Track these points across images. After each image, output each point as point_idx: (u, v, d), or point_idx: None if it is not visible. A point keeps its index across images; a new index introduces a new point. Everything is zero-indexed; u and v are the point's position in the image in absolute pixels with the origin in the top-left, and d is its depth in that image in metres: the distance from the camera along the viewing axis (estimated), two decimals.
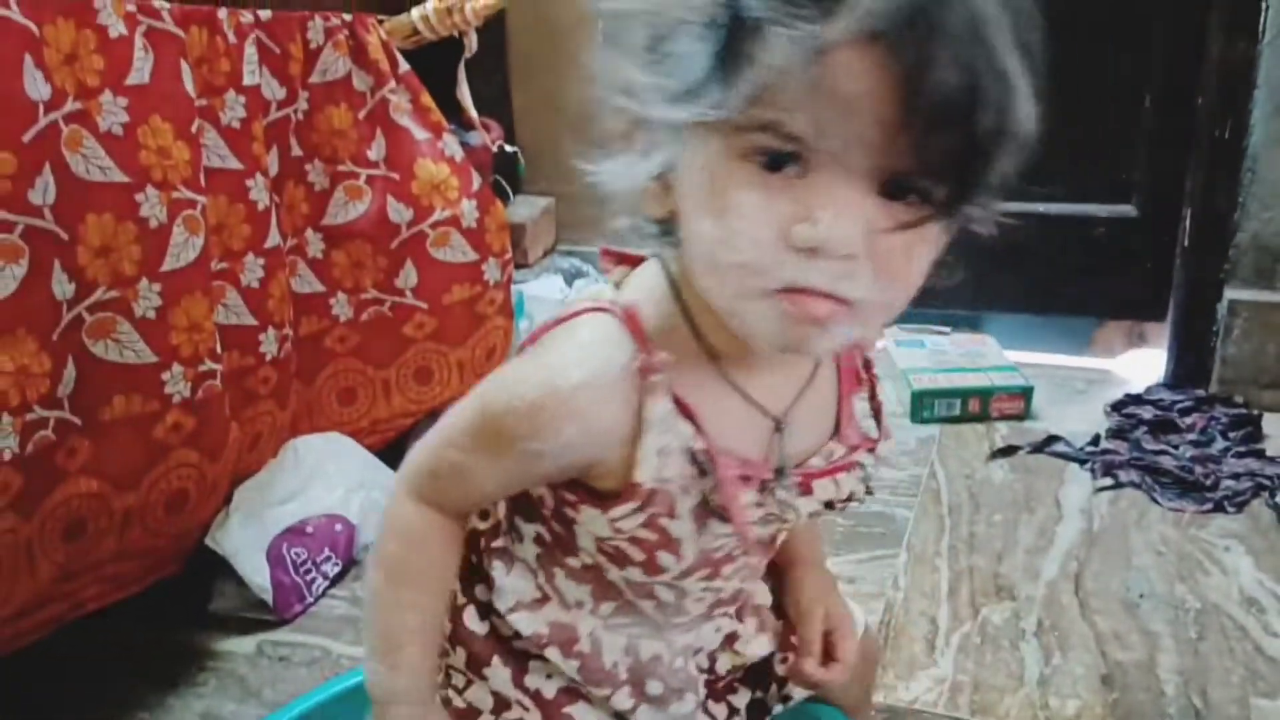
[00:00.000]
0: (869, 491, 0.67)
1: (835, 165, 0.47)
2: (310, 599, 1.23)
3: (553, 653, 0.66)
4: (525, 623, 0.66)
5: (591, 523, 0.61)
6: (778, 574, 0.77)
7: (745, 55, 0.45)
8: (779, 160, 0.48)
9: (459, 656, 0.70)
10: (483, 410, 0.59)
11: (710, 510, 0.59)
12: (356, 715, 0.86)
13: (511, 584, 0.67)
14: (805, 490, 0.62)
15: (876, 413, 0.68)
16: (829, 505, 0.64)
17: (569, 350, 0.58)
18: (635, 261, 0.63)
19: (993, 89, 0.45)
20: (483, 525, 0.70)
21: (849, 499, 0.65)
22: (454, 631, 0.70)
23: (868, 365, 0.67)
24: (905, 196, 0.48)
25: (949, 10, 0.44)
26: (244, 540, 1.19)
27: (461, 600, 0.70)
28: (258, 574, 1.18)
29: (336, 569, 1.27)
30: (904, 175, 0.47)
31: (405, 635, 0.64)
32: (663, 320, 0.58)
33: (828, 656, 0.73)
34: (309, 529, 1.25)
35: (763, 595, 0.76)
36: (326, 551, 1.26)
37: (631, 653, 0.67)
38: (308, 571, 1.23)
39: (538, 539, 0.66)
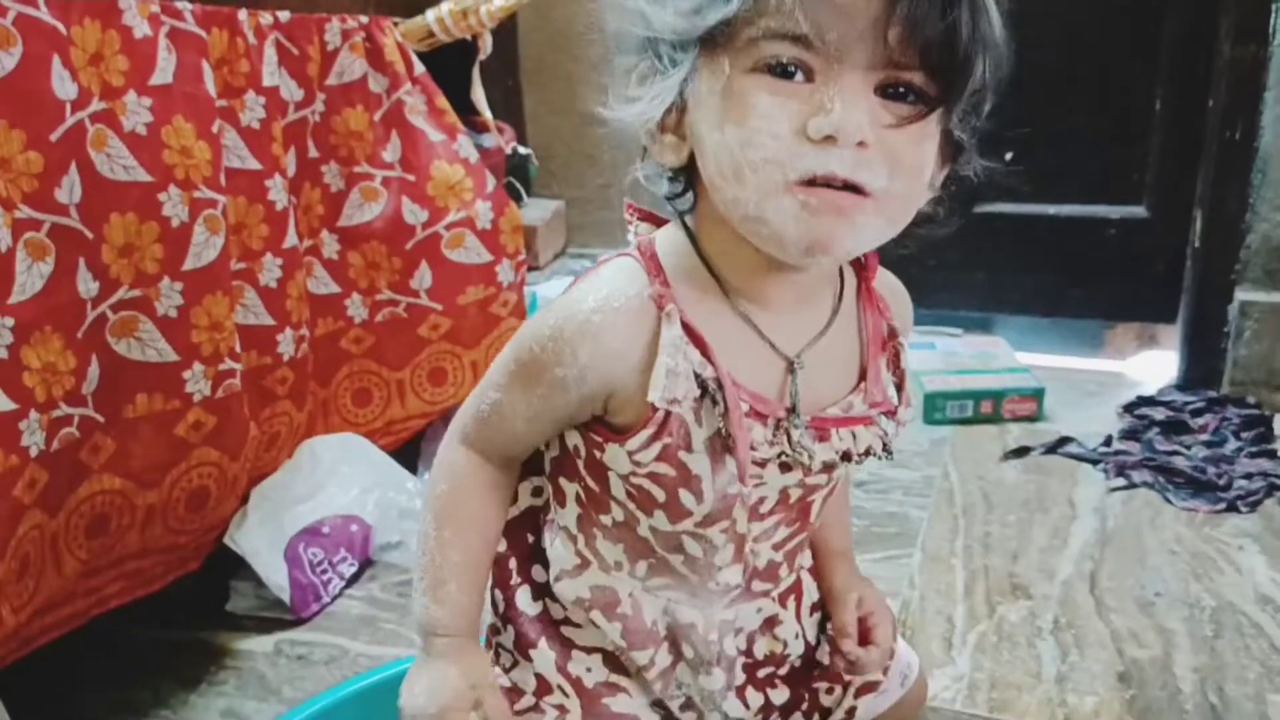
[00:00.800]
0: (887, 450, 0.68)
1: (838, 67, 0.53)
2: (327, 598, 1.23)
3: (597, 615, 0.69)
4: (569, 589, 0.69)
5: (614, 460, 0.64)
6: (817, 566, 0.78)
7: None
8: (786, 70, 0.54)
9: (508, 636, 0.72)
10: (515, 347, 0.64)
11: (725, 444, 0.61)
12: (371, 715, 0.88)
13: (555, 553, 0.70)
14: (822, 436, 0.64)
15: (899, 380, 0.69)
16: (846, 457, 0.66)
17: (587, 285, 0.63)
18: (659, 222, 0.68)
19: None
20: (539, 501, 0.73)
21: (866, 453, 0.67)
22: (506, 611, 0.72)
23: (892, 333, 0.69)
24: (904, 98, 0.55)
25: None
26: (262, 540, 1.20)
27: (516, 580, 0.72)
28: (275, 574, 1.19)
29: (353, 569, 1.27)
30: (899, 70, 0.53)
31: (448, 571, 0.68)
32: (679, 259, 0.63)
33: (865, 641, 0.74)
34: (325, 529, 1.26)
35: (811, 590, 0.77)
36: (343, 552, 1.26)
37: (669, 614, 0.69)
38: (324, 571, 1.24)
39: (577, 498, 0.69)
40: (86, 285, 0.93)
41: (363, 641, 1.17)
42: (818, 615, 0.77)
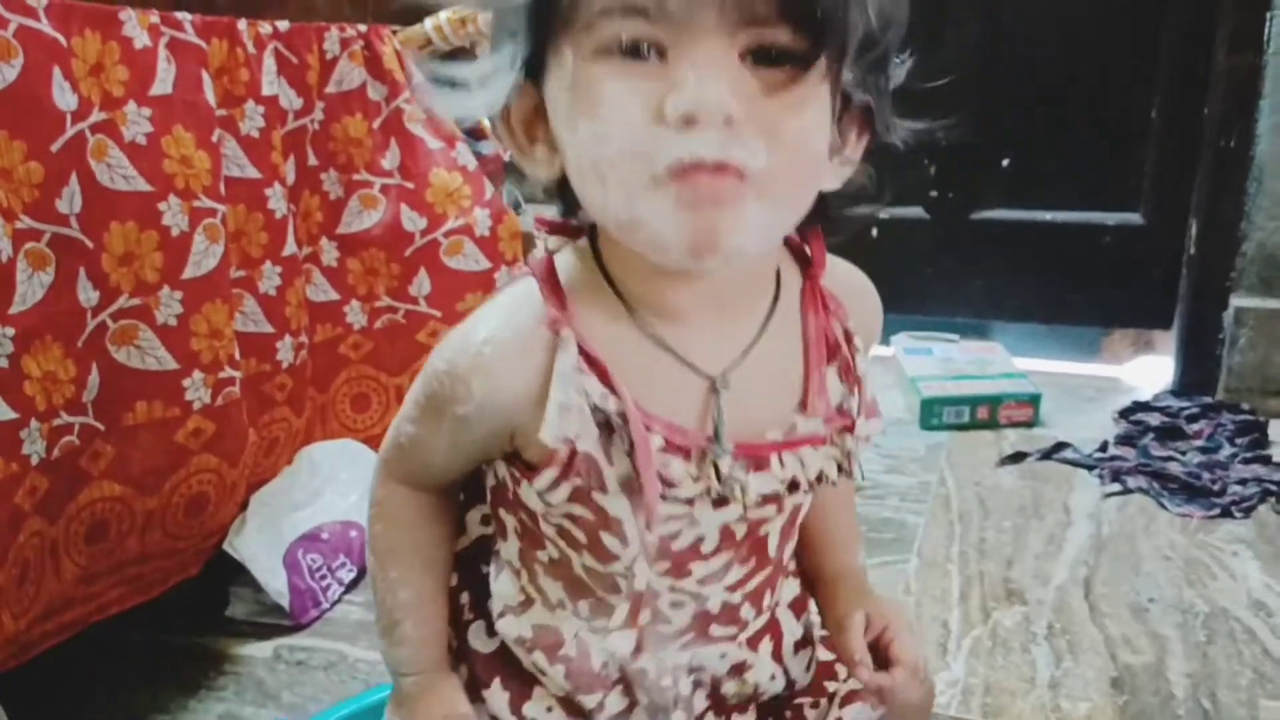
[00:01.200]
0: (844, 472, 0.60)
1: (689, 37, 0.46)
2: (326, 604, 1.24)
3: (539, 657, 0.63)
4: (511, 627, 0.64)
5: (528, 498, 0.59)
6: (815, 595, 0.72)
7: None
8: (636, 50, 0.48)
9: (462, 674, 0.68)
10: (422, 379, 0.59)
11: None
12: None
13: (500, 587, 0.65)
14: (758, 465, 0.57)
15: (852, 388, 0.61)
16: (793, 486, 0.58)
17: (483, 312, 0.58)
18: (576, 234, 0.60)
19: None
20: (489, 530, 0.68)
21: (820, 479, 0.59)
22: (459, 648, 0.68)
23: (847, 337, 0.61)
24: (777, 63, 0.48)
25: None
26: (261, 546, 1.20)
27: (469, 616, 0.68)
28: (274, 579, 1.19)
29: (351, 575, 1.28)
30: (761, 28, 0.47)
31: (399, 611, 0.65)
32: (582, 276, 0.57)
33: (887, 663, 0.65)
34: (324, 535, 1.26)
35: (791, 628, 0.69)
36: (341, 558, 1.27)
37: (620, 658, 0.63)
38: (323, 577, 1.24)
39: (516, 531, 0.64)
40: (87, 294, 0.94)
41: (361, 647, 1.17)
42: (805, 653, 0.69)
